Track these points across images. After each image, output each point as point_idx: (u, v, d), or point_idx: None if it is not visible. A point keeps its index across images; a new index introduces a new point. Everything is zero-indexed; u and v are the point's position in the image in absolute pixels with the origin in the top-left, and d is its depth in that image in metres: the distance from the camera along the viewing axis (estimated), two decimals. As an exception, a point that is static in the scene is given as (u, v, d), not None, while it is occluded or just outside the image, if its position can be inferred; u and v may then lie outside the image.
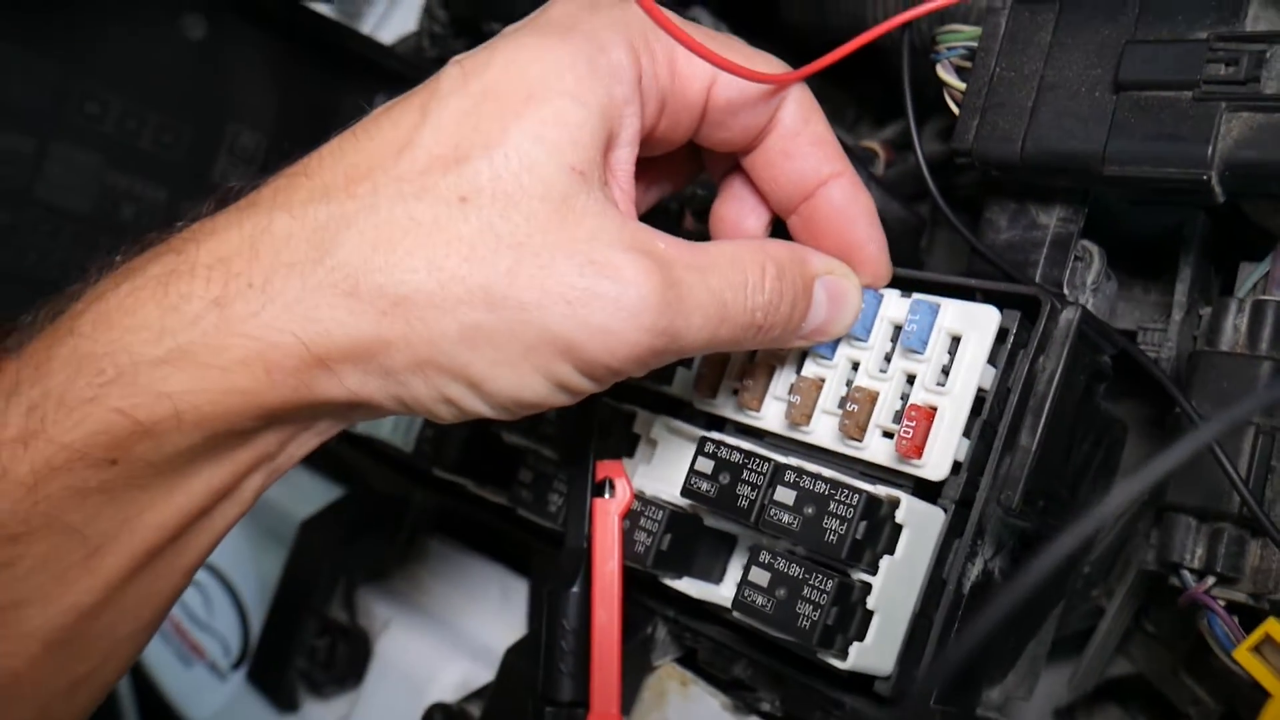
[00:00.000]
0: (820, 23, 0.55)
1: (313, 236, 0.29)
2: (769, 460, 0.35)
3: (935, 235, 0.56)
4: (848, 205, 0.36)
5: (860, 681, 0.34)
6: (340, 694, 0.51)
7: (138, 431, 0.28)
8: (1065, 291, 0.37)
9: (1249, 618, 0.34)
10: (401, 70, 0.60)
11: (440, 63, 0.60)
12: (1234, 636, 0.32)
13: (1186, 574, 0.35)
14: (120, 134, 0.54)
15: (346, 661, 0.50)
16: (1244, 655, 0.30)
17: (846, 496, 0.33)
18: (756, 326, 0.32)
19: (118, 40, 0.53)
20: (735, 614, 0.35)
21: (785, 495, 0.34)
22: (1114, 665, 0.46)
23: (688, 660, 0.42)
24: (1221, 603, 0.33)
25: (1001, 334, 0.34)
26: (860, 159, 0.46)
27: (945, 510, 0.34)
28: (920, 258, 0.51)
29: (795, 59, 0.53)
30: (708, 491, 0.36)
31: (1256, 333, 0.35)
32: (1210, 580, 0.34)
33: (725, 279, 0.31)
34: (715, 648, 0.40)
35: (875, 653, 0.33)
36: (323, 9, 0.59)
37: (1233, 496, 0.34)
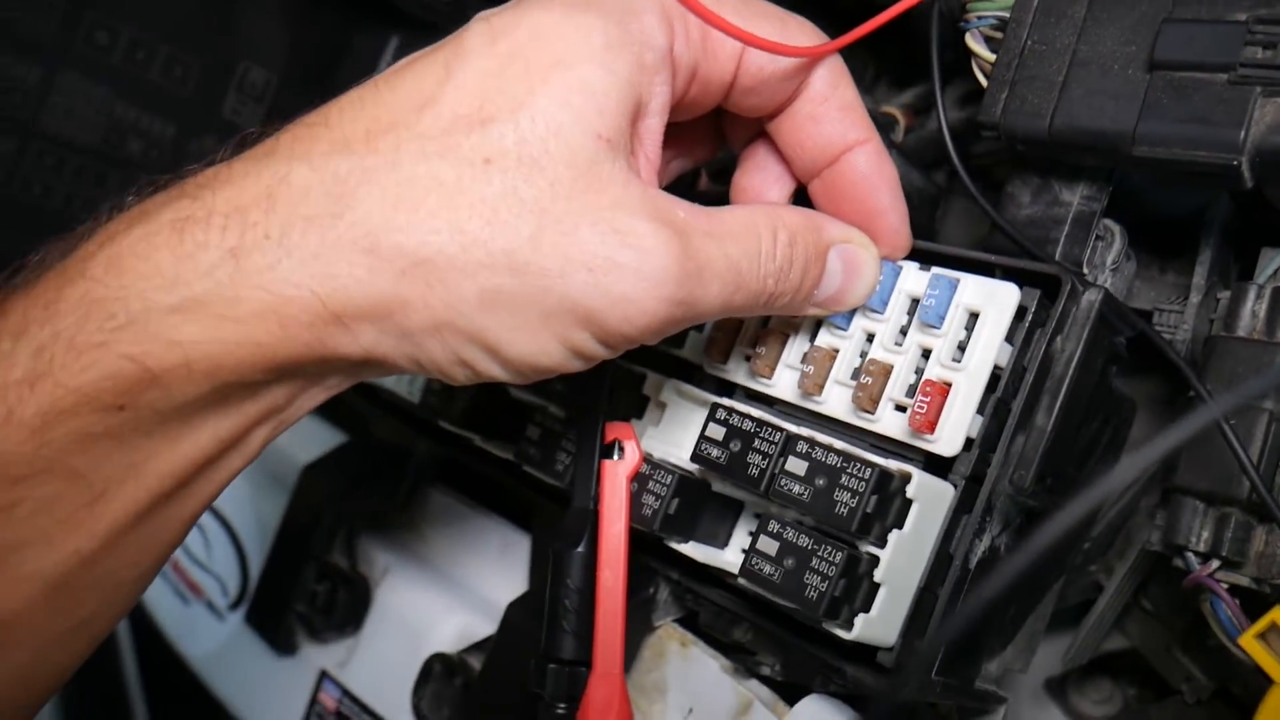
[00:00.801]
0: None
1: (332, 190, 0.28)
2: (781, 430, 0.35)
3: (950, 204, 0.55)
4: (872, 173, 0.35)
5: (863, 651, 0.35)
6: (339, 639, 0.51)
7: (146, 379, 0.28)
8: (1085, 270, 0.37)
9: (1251, 602, 0.34)
10: (416, 12, 0.59)
11: (455, 7, 0.59)
12: (1238, 621, 0.32)
13: (1191, 556, 0.35)
14: (129, 65, 0.53)
15: (346, 607, 0.50)
16: (1249, 642, 0.30)
17: (858, 469, 0.33)
18: (769, 294, 0.32)
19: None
20: (742, 581, 0.35)
21: (797, 466, 0.34)
22: (1109, 640, 0.46)
23: (688, 622, 0.43)
24: (1225, 586, 0.34)
25: (1020, 312, 0.34)
26: (880, 124, 0.46)
27: (955, 486, 0.34)
28: (935, 227, 0.51)
29: (831, 21, 0.52)
30: (718, 458, 0.36)
31: (1275, 319, 0.35)
32: (1215, 564, 0.34)
33: (740, 246, 0.31)
34: (717, 611, 0.40)
35: (880, 624, 0.33)
36: None
37: (1242, 481, 0.34)
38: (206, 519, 0.62)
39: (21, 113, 0.51)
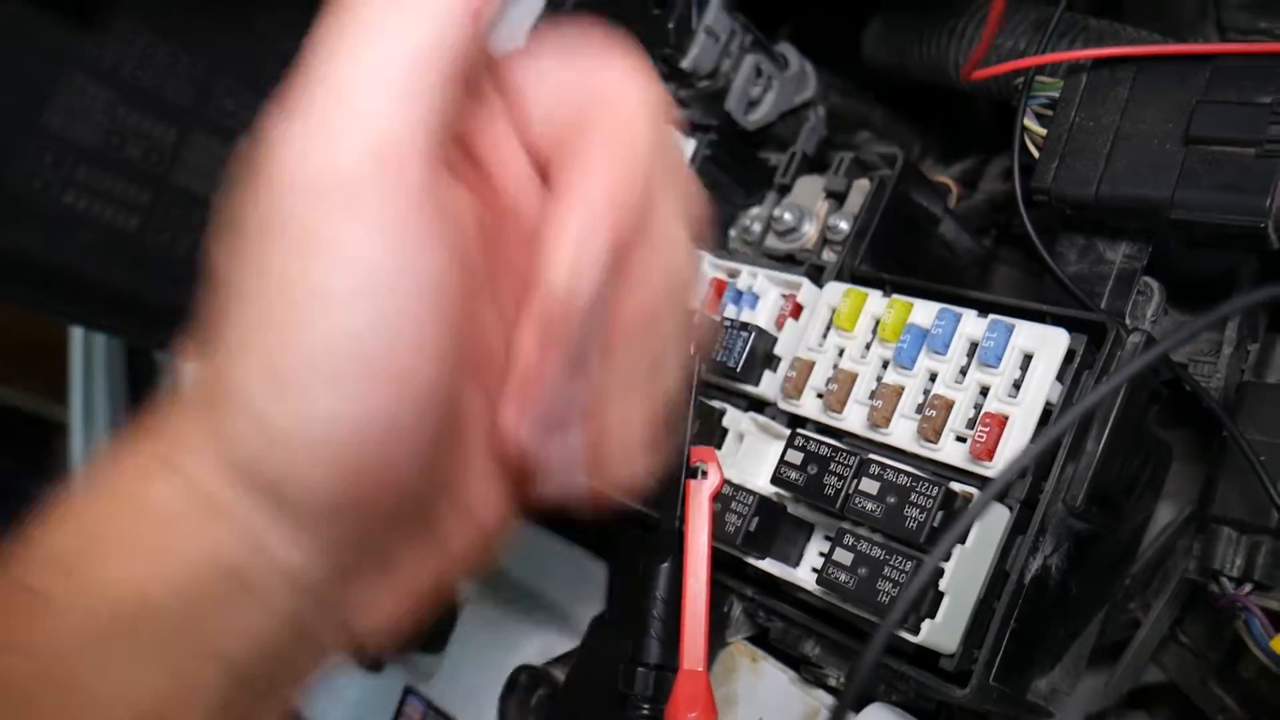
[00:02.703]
0: (899, 64, 0.60)
1: None
2: (855, 454, 0.39)
3: (995, 269, 0.60)
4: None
5: (925, 657, 0.38)
6: (425, 657, 0.55)
7: None
8: (1127, 322, 0.41)
9: (1277, 625, 0.38)
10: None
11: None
12: (1269, 632, 0.36)
13: (1225, 581, 0.39)
14: (251, 128, 0.59)
15: (433, 626, 0.54)
16: None
17: (926, 489, 0.37)
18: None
19: (256, 43, 0.58)
20: (818, 589, 0.39)
21: (869, 486, 0.38)
22: (1146, 673, 0.50)
23: (759, 640, 0.46)
24: (1259, 606, 0.37)
25: (1069, 355, 0.39)
26: (939, 193, 0.51)
27: (1011, 509, 0.38)
28: (985, 287, 0.55)
29: (877, 93, 0.57)
30: (797, 480, 0.40)
31: (1302, 367, 0.39)
32: (1248, 587, 0.38)
33: None
34: (787, 626, 0.44)
35: (943, 631, 0.37)
36: None
37: (1272, 512, 0.37)
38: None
39: (157, 169, 0.57)
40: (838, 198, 0.51)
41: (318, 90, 0.26)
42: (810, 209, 0.51)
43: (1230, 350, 0.42)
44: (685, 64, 0.57)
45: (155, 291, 0.59)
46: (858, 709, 0.42)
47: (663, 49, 0.57)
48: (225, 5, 0.56)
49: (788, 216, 0.51)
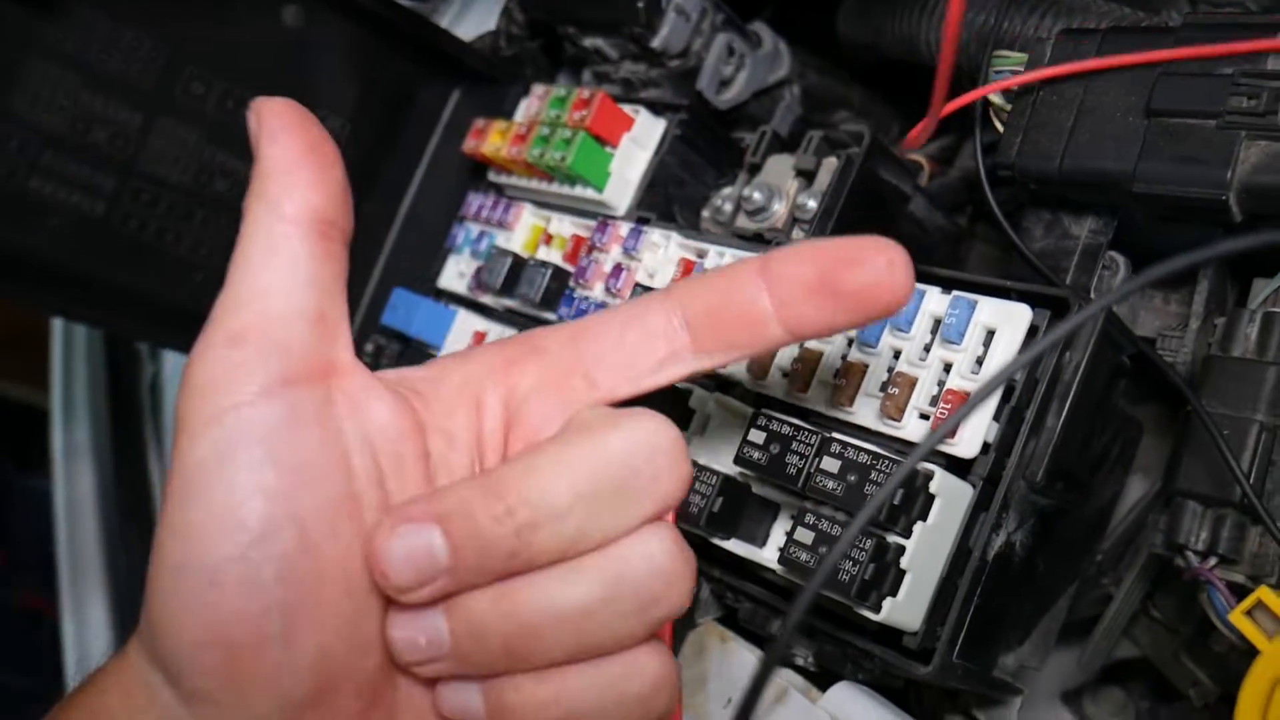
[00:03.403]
0: (873, 42, 0.59)
1: None
2: (817, 433, 0.39)
3: (970, 247, 0.60)
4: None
5: (889, 636, 0.38)
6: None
7: None
8: (1093, 296, 0.41)
9: (1245, 597, 0.37)
10: (478, 67, 0.64)
11: (513, 63, 0.64)
12: (1230, 604, 0.35)
13: (1191, 555, 0.38)
14: (220, 113, 0.59)
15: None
16: (1238, 617, 0.33)
17: (886, 466, 0.37)
18: None
19: (224, 26, 0.58)
20: (780, 569, 0.38)
21: (830, 464, 0.38)
22: (1120, 648, 0.49)
23: (727, 620, 0.46)
24: (1222, 581, 0.37)
25: (1032, 330, 0.38)
26: (908, 170, 0.50)
27: (974, 486, 0.38)
28: (959, 264, 0.55)
29: (853, 72, 0.57)
30: (759, 460, 0.40)
31: (1265, 341, 0.39)
32: (1212, 560, 0.38)
33: None
34: (754, 607, 0.44)
35: (905, 609, 0.37)
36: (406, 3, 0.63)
37: (1235, 486, 0.37)
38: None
39: (123, 154, 0.56)
40: (807, 176, 0.50)
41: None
42: (780, 188, 0.51)
43: (1198, 324, 0.42)
44: (655, 43, 0.57)
45: (123, 278, 0.58)
46: (824, 687, 0.42)
47: (633, 28, 0.57)
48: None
49: (757, 196, 0.50)
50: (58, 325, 0.99)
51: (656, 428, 0.30)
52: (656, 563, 0.30)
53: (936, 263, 0.51)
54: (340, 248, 0.31)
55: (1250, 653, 0.34)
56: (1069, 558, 0.43)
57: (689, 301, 0.32)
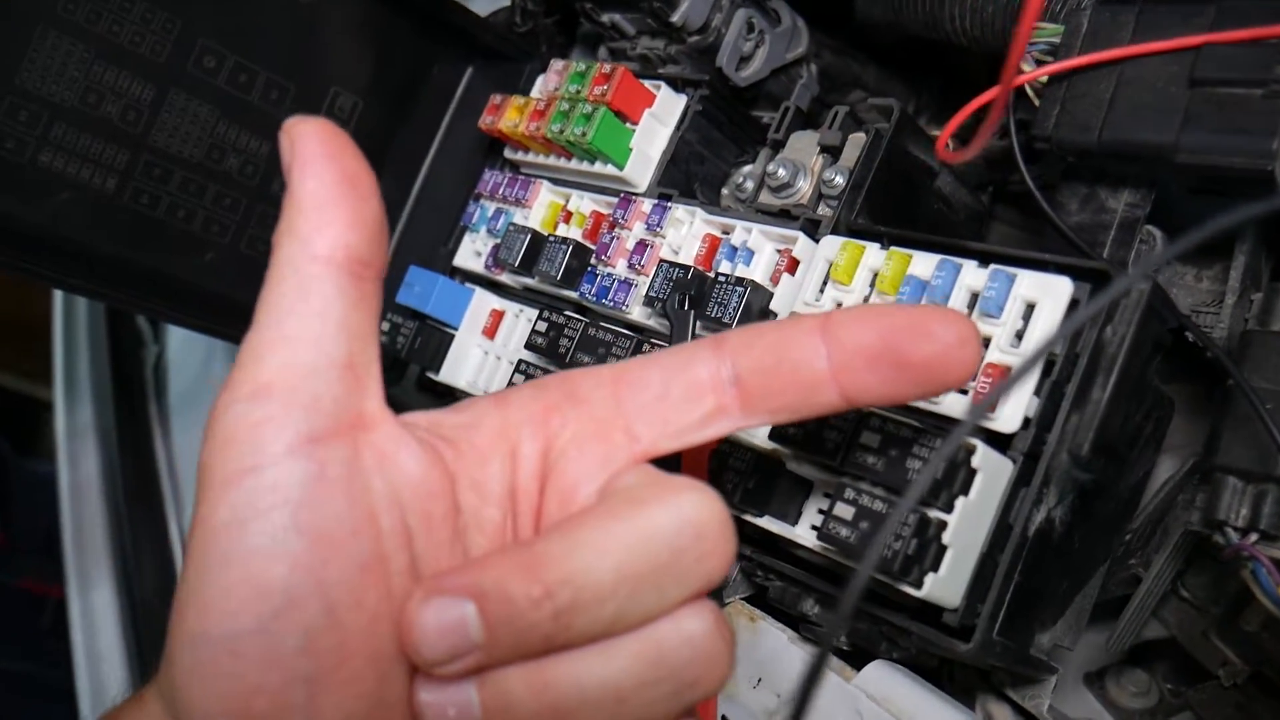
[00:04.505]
0: (894, 20, 0.59)
1: None
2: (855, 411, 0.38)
3: (992, 226, 0.59)
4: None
5: (929, 613, 0.38)
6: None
7: None
8: (1130, 270, 0.41)
9: (1286, 572, 0.37)
10: (492, 43, 0.64)
11: (528, 39, 0.64)
12: (1278, 582, 0.35)
13: (1231, 532, 0.38)
14: (232, 88, 0.58)
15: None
16: (1289, 594, 0.33)
17: (928, 440, 0.36)
18: None
19: (237, 0, 0.57)
20: (819, 545, 0.38)
21: (870, 439, 0.37)
22: (1148, 629, 0.49)
23: (756, 600, 0.46)
24: (1269, 556, 0.37)
25: (1073, 304, 0.38)
26: (927, 139, 0.50)
27: (1014, 461, 0.38)
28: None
29: (869, 52, 0.56)
30: (796, 435, 0.39)
31: (1304, 315, 0.38)
32: (1254, 536, 0.37)
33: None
34: (785, 585, 0.43)
35: (947, 584, 0.36)
36: None
37: (1278, 460, 0.37)
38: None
39: (135, 128, 0.55)
40: (833, 152, 0.50)
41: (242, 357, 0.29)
42: (805, 164, 0.50)
43: (1234, 300, 0.42)
44: (675, 18, 0.56)
45: (134, 254, 0.58)
46: (858, 666, 0.41)
47: (653, 2, 0.56)
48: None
49: (781, 172, 0.50)
50: (59, 308, 0.98)
51: (704, 502, 0.29)
52: (697, 645, 0.29)
53: (954, 233, 0.51)
54: (374, 288, 0.30)
55: (1297, 629, 0.34)
56: (1104, 535, 0.43)
57: (741, 355, 0.30)
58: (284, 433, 0.27)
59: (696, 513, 0.28)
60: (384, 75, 0.63)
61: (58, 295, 0.99)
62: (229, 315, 0.61)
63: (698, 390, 0.31)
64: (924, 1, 0.56)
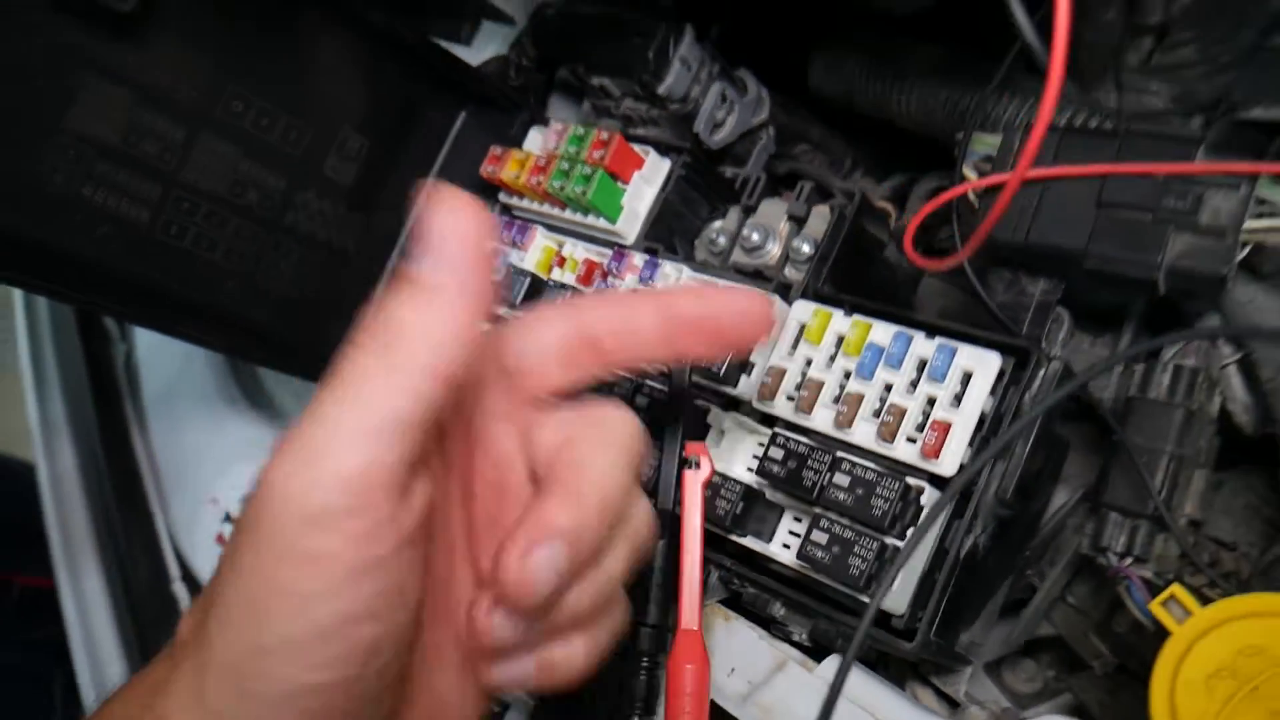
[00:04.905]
0: (845, 97, 0.68)
1: None
2: (829, 453, 0.47)
3: (926, 283, 0.69)
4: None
5: (879, 618, 0.47)
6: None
7: None
8: (1043, 345, 0.51)
9: (1152, 590, 0.47)
10: (485, 92, 0.70)
11: (520, 91, 0.71)
12: (1146, 597, 0.46)
13: (1111, 555, 0.49)
14: (255, 130, 0.63)
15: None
16: (1156, 608, 0.43)
17: (889, 483, 0.45)
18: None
19: (263, 51, 0.62)
20: (797, 563, 0.47)
21: (841, 479, 0.46)
22: (1039, 628, 0.60)
23: (731, 602, 0.54)
24: (1139, 576, 0.47)
25: (1000, 373, 0.47)
26: (878, 217, 0.59)
27: (951, 498, 0.47)
28: (914, 299, 0.64)
29: (824, 122, 0.64)
30: (778, 473, 0.48)
31: (1174, 388, 0.49)
32: (1129, 560, 0.48)
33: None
34: (758, 592, 0.52)
35: (897, 596, 0.46)
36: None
37: (1150, 502, 0.47)
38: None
39: (168, 165, 0.61)
40: (799, 221, 0.58)
41: (313, 430, 0.31)
42: (774, 229, 0.59)
43: (1120, 369, 0.52)
44: (661, 89, 0.64)
45: (164, 281, 0.63)
46: (818, 659, 0.50)
47: (642, 75, 0.64)
48: (241, 18, 0.60)
49: (755, 236, 0.58)
50: (18, 303, 1.00)
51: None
52: (647, 513, 0.39)
53: (900, 298, 0.60)
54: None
55: (1160, 634, 0.44)
56: (1012, 554, 0.53)
57: (598, 323, 0.38)
58: (338, 566, 0.31)
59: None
60: (384, 117, 0.69)
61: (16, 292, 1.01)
62: (247, 338, 0.67)
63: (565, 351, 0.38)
64: (873, 86, 0.65)
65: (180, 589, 0.76)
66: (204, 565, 0.76)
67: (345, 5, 0.64)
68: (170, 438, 0.86)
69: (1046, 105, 0.36)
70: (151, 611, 0.76)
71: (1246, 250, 0.45)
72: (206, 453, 0.81)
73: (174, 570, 0.77)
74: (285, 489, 0.30)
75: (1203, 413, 0.49)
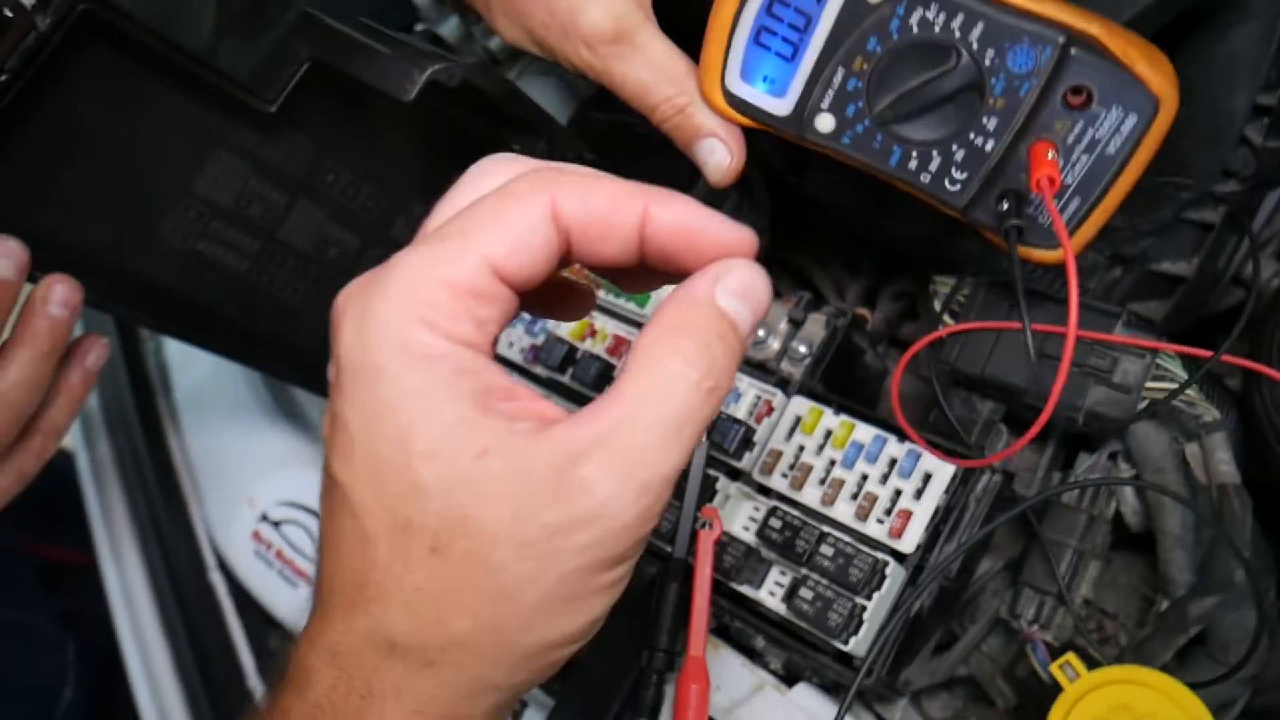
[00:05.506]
0: (837, 210, 0.81)
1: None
2: (817, 528, 0.61)
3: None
4: (677, 217, 0.36)
5: (844, 658, 0.60)
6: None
7: None
8: (985, 452, 0.65)
9: (1052, 652, 0.62)
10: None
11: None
12: (1047, 658, 0.60)
13: (1024, 621, 0.63)
14: (342, 197, 0.74)
15: None
16: (1055, 669, 0.57)
17: (864, 557, 0.59)
18: (716, 392, 0.34)
19: (363, 137, 0.73)
20: (786, 611, 0.60)
21: (826, 549, 0.60)
22: (958, 670, 0.74)
23: (720, 632, 0.67)
24: (1042, 640, 0.61)
25: (953, 477, 0.61)
26: (866, 333, 0.73)
27: (908, 570, 0.61)
28: (880, 392, 0.78)
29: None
30: (776, 540, 0.61)
31: (1081, 495, 0.63)
32: (1036, 627, 0.62)
33: (654, 408, 0.33)
34: (744, 626, 0.65)
35: (862, 642, 0.59)
36: None
37: (1055, 584, 0.62)
38: (315, 522, 0.82)
39: (269, 225, 0.71)
40: (797, 324, 0.71)
41: None
42: (775, 327, 0.72)
43: (1042, 474, 0.66)
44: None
45: (253, 320, 0.73)
46: (790, 685, 0.64)
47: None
48: (352, 119, 0.70)
49: (760, 332, 0.71)
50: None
51: None
52: None
53: (871, 391, 0.74)
54: None
55: (1055, 688, 0.58)
56: (946, 611, 0.67)
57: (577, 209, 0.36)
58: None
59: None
60: (438, 186, 0.80)
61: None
62: (312, 371, 0.78)
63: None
64: (866, 208, 0.78)
65: (217, 577, 0.86)
66: (238, 559, 0.86)
67: (439, 113, 0.74)
68: (205, 437, 0.95)
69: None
70: (191, 595, 0.85)
71: (1145, 403, 0.60)
72: (243, 456, 0.90)
73: (210, 559, 0.87)
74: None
75: (1102, 516, 0.64)
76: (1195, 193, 0.69)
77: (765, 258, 0.84)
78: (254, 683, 0.81)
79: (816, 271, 0.83)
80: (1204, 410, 0.61)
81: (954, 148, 0.51)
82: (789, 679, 0.64)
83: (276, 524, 0.84)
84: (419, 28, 1.03)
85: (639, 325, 0.74)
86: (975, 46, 0.48)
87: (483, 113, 0.75)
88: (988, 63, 0.48)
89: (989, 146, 0.50)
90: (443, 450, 0.32)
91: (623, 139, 0.78)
